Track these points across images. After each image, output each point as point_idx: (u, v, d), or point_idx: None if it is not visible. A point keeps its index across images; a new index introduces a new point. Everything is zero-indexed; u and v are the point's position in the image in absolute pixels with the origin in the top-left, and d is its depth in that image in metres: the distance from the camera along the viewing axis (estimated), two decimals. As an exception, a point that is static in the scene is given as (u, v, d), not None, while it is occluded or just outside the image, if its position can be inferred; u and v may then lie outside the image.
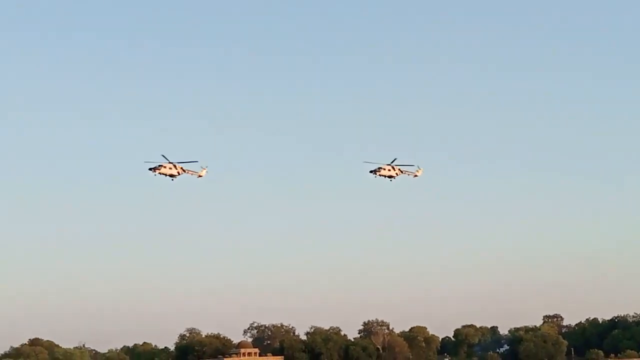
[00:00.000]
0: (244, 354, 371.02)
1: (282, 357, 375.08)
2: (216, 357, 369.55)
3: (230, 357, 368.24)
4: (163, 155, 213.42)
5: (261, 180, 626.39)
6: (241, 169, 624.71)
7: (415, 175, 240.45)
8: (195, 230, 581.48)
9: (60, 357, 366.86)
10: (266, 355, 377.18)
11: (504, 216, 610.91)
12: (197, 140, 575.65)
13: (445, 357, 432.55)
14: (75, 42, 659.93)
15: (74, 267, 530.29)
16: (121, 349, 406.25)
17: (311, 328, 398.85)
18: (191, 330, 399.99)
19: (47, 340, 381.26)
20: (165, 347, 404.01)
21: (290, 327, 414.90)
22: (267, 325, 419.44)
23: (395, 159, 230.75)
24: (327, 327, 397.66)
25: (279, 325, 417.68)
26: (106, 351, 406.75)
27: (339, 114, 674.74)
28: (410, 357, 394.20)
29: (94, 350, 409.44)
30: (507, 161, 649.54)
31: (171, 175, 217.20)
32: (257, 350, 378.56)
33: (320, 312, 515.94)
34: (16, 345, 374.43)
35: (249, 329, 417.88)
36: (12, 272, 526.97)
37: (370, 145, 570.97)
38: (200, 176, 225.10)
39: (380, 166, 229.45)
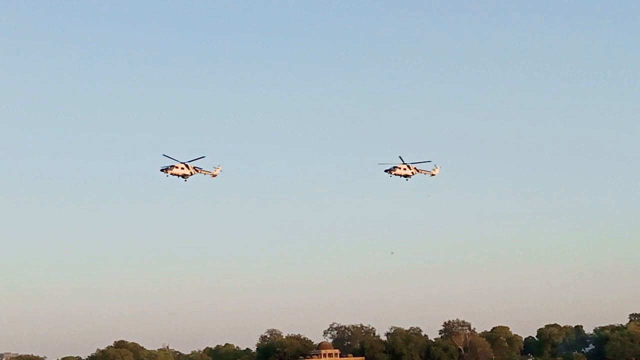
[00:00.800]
0: (324, 355, 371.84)
1: (363, 358, 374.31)
2: (297, 358, 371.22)
3: (311, 358, 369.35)
4: (165, 155, 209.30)
5: (312, 180, 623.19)
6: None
7: (433, 174, 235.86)
8: (268, 232, 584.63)
9: (145, 359, 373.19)
10: (347, 356, 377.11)
11: (586, 210, 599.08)
12: (210, 140, 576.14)
13: (529, 357, 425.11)
14: (83, 40, 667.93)
15: (158, 270, 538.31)
16: (204, 350, 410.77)
17: (391, 328, 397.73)
18: (272, 332, 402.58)
19: (132, 343, 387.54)
20: (247, 349, 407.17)
21: (371, 327, 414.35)
22: (347, 326, 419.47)
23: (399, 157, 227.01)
24: (407, 328, 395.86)
25: (359, 326, 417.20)
26: (189, 352, 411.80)
27: (356, 113, 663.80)
28: (493, 357, 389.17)
29: (178, 351, 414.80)
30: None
31: (184, 176, 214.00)
32: (337, 351, 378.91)
33: (399, 312, 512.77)
34: (102, 347, 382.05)
35: (329, 329, 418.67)
36: (97, 276, 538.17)
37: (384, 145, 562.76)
38: (214, 175, 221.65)
39: (395, 165, 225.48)
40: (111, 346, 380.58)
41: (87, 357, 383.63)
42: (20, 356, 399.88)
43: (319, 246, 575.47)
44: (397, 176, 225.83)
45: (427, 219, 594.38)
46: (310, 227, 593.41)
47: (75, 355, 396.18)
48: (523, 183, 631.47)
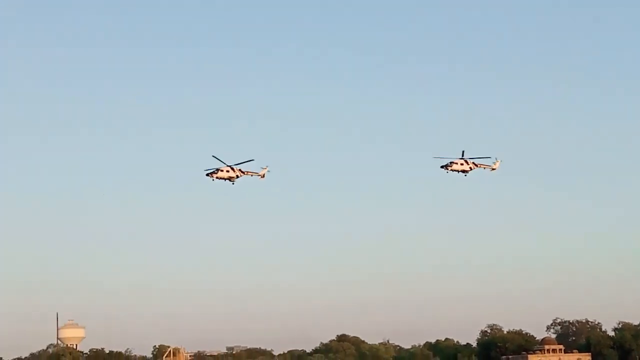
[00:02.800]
0: (548, 351, 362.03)
1: (589, 354, 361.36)
2: (519, 354, 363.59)
3: (534, 353, 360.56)
4: (214, 157, 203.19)
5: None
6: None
7: (493, 169, 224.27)
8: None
9: (367, 353, 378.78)
10: (572, 352, 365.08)
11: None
12: (255, 141, 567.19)
13: None
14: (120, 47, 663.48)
15: (377, 264, 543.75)
16: (424, 344, 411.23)
17: (619, 323, 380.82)
18: (492, 327, 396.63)
19: (354, 336, 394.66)
20: (468, 343, 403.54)
21: (597, 322, 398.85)
22: (571, 321, 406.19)
23: (463, 152, 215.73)
24: (636, 323, 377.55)
25: (584, 320, 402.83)
26: (409, 347, 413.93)
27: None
28: None
29: (398, 346, 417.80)
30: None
31: (229, 179, 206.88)
32: (561, 346, 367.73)
33: (627, 307, 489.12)
34: (325, 341, 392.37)
35: (552, 325, 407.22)
36: (319, 271, 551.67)
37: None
38: (262, 177, 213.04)
39: (452, 160, 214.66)
40: (334, 340, 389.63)
41: (311, 350, 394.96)
42: (249, 349, 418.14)
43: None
44: (455, 172, 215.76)
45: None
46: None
47: (300, 349, 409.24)
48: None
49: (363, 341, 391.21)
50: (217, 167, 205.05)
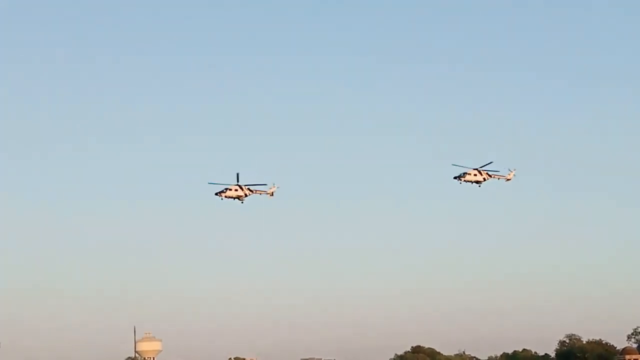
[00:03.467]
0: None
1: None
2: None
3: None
4: (237, 174, 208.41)
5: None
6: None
7: (508, 179, 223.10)
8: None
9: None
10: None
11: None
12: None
13: None
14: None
15: (454, 276, 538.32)
16: (501, 355, 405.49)
17: None
18: (571, 337, 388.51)
19: (429, 348, 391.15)
20: (546, 354, 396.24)
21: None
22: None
23: (490, 162, 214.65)
24: None
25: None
26: (486, 358, 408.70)
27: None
28: None
29: (475, 357, 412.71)
30: None
31: (238, 197, 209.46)
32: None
33: None
34: (400, 352, 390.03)
35: (632, 334, 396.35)
36: (392, 281, 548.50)
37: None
38: (271, 195, 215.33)
39: (465, 171, 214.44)
40: (408, 351, 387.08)
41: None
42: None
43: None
44: (468, 182, 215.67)
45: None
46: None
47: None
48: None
49: (438, 352, 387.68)
50: (226, 186, 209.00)
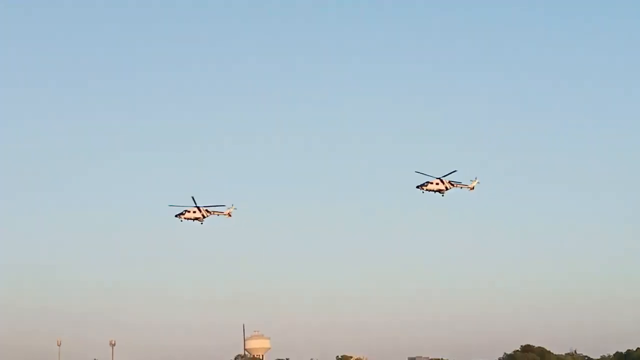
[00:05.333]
0: None
1: None
2: None
3: None
4: (193, 197, 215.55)
5: None
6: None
7: (472, 188, 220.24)
8: None
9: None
10: None
11: None
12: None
13: None
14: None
15: (554, 273, 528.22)
16: (614, 354, 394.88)
17: None
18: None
19: (539, 347, 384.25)
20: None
21: None
22: None
23: (454, 171, 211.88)
24: None
25: None
26: (598, 357, 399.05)
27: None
28: None
29: (586, 356, 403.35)
30: None
31: (197, 219, 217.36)
32: None
33: None
34: (509, 352, 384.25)
35: None
36: (504, 277, 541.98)
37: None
38: (229, 215, 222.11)
39: (427, 180, 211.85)
40: (518, 350, 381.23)
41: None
42: (432, 359, 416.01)
43: None
44: (430, 192, 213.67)
45: None
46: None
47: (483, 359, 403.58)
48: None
49: (549, 352, 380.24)
50: (185, 208, 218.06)
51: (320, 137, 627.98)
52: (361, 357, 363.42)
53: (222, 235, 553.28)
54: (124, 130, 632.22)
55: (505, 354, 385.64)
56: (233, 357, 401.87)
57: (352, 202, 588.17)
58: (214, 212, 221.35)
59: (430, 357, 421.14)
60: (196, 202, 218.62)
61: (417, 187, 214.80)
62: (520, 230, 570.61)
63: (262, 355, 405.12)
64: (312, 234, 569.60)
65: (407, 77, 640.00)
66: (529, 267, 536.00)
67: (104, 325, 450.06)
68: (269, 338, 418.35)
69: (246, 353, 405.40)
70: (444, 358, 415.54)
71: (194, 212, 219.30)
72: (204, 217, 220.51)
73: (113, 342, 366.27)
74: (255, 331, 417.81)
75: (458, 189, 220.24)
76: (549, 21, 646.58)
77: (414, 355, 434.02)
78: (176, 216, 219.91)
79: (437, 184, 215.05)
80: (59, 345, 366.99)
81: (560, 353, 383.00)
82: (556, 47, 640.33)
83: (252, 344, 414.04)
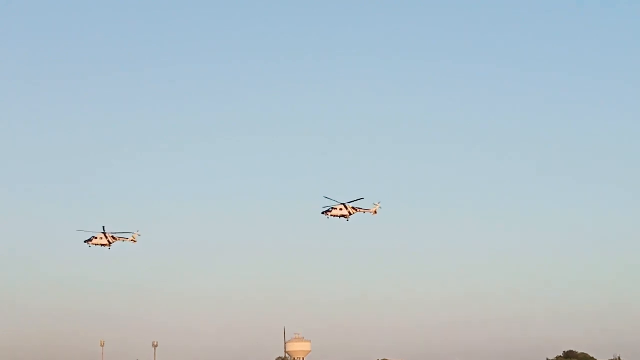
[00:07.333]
0: None
1: None
2: None
3: None
4: (104, 227, 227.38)
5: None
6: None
7: (375, 212, 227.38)
8: None
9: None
10: None
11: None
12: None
13: None
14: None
15: (592, 273, 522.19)
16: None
17: None
18: None
19: (582, 353, 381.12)
20: None
21: None
22: None
23: (361, 198, 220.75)
24: None
25: None
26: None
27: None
28: None
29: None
30: None
31: (103, 245, 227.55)
32: None
33: None
34: (551, 357, 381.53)
35: None
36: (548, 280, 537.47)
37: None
38: (134, 241, 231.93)
39: (332, 206, 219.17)
40: (560, 356, 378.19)
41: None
42: None
43: None
44: (335, 217, 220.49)
45: None
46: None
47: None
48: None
49: (592, 358, 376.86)
50: (93, 235, 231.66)
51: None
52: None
53: (259, 239, 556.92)
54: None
55: (547, 359, 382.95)
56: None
57: (393, 205, 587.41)
58: (119, 238, 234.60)
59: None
60: (105, 230, 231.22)
61: (322, 212, 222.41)
62: (567, 234, 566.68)
63: (303, 358, 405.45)
64: (352, 237, 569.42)
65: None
66: (573, 271, 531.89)
67: (146, 327, 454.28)
68: (309, 341, 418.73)
69: (287, 356, 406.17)
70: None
71: (101, 238, 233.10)
72: (110, 243, 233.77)
73: (155, 344, 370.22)
74: (295, 334, 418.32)
75: (361, 213, 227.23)
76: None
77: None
78: (85, 242, 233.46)
79: (341, 209, 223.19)
80: (102, 346, 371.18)
81: (603, 359, 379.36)
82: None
83: (293, 347, 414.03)
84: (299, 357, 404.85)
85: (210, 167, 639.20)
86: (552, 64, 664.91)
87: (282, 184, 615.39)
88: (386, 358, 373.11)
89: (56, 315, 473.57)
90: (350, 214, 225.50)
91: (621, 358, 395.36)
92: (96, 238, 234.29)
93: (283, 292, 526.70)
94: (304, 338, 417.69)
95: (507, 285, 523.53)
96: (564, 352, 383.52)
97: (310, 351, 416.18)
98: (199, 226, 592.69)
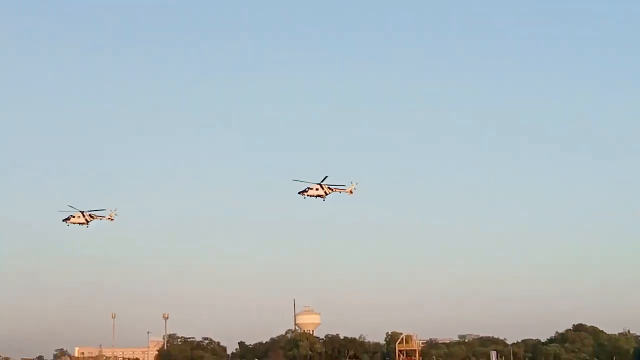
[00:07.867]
0: None
1: None
2: None
3: None
4: (70, 206, 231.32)
5: None
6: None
7: (351, 192, 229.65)
8: None
9: (605, 343, 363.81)
10: None
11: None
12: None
13: None
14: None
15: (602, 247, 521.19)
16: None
17: None
18: None
19: (591, 326, 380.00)
20: None
21: None
22: None
23: (326, 177, 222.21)
24: None
25: None
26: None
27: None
28: None
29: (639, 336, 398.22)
30: None
31: (81, 223, 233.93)
32: None
33: None
34: (561, 330, 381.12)
35: None
36: (553, 258, 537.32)
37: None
38: (111, 219, 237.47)
39: (308, 186, 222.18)
40: (570, 329, 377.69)
41: (545, 339, 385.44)
42: (482, 337, 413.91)
43: None
44: (312, 197, 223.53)
45: None
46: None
47: (534, 338, 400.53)
48: None
49: (601, 331, 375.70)
50: (71, 214, 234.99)
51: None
52: (411, 335, 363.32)
53: (273, 215, 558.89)
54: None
55: (557, 332, 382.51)
56: (284, 332, 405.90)
57: (402, 182, 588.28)
58: (97, 216, 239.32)
59: (480, 335, 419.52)
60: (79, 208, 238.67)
61: (299, 193, 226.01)
62: (576, 212, 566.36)
63: (312, 331, 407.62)
64: (364, 212, 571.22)
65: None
66: (584, 247, 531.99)
67: (157, 300, 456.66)
68: (319, 314, 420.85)
69: (296, 328, 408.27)
70: (494, 336, 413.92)
71: (79, 217, 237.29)
72: (87, 221, 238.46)
73: (166, 316, 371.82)
74: (305, 307, 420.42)
75: (337, 192, 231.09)
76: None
77: (464, 334, 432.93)
78: (63, 221, 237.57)
79: (317, 189, 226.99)
80: (113, 318, 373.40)
81: (613, 332, 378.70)
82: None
83: (303, 319, 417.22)
84: (308, 329, 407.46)
85: (225, 145, 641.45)
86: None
87: (294, 159, 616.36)
88: (395, 330, 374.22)
89: (71, 289, 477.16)
90: (327, 194, 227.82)
91: (630, 331, 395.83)
92: (74, 217, 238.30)
93: (293, 265, 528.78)
94: (313, 311, 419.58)
95: (517, 261, 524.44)
96: (574, 325, 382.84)
97: (319, 323, 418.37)
98: (209, 202, 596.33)
